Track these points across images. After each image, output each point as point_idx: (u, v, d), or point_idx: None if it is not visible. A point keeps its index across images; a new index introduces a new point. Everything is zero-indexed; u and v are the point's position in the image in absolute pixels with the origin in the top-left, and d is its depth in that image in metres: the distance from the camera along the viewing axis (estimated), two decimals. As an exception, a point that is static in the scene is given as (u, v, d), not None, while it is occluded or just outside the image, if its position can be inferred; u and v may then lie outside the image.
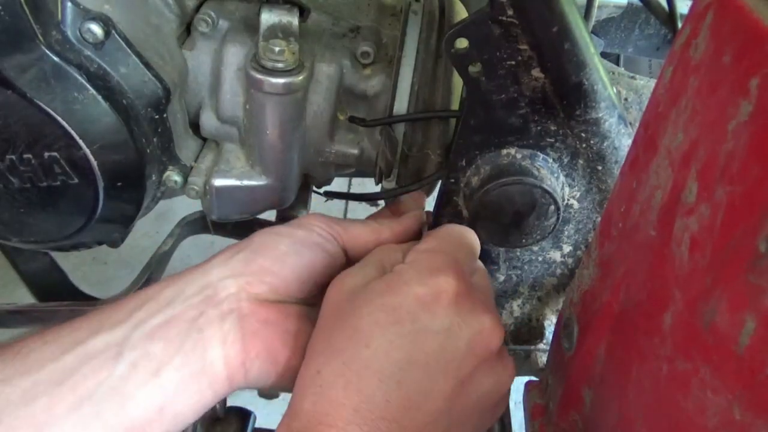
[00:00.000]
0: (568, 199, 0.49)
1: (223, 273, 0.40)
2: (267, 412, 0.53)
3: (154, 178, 0.51)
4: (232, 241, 0.69)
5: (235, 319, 0.39)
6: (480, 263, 0.46)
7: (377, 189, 0.58)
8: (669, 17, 0.54)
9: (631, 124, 0.46)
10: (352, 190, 1.44)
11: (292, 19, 0.48)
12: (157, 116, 0.49)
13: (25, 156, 0.44)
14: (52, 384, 0.34)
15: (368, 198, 0.58)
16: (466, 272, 0.41)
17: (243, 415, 0.50)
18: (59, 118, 0.43)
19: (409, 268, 0.39)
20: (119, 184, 0.47)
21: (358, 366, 0.35)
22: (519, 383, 0.52)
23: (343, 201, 1.55)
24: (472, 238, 0.45)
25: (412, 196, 0.52)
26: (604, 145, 0.46)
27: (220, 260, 0.42)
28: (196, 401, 0.37)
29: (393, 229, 0.47)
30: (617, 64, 0.90)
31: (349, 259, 0.45)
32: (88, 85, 0.44)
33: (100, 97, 0.44)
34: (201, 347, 0.37)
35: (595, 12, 0.62)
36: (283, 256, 0.41)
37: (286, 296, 0.41)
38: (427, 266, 0.39)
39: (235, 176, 0.53)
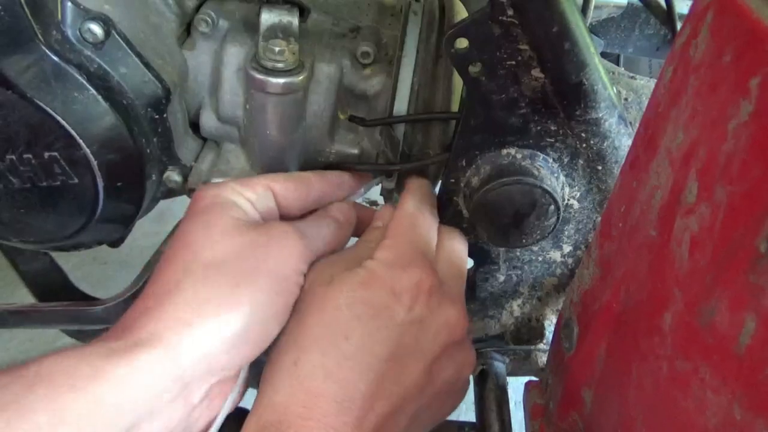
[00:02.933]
0: (568, 199, 0.49)
1: (195, 353, 0.35)
2: (267, 412, 0.53)
3: (154, 178, 0.51)
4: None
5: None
6: (450, 240, 0.47)
7: (378, 189, 0.58)
8: (667, 17, 0.54)
9: (631, 124, 0.46)
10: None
11: (292, 19, 0.48)
12: (157, 116, 0.49)
13: (25, 156, 0.44)
14: None
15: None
16: (432, 262, 0.43)
17: (243, 415, 0.50)
18: (59, 118, 0.43)
19: (379, 264, 0.40)
20: (119, 184, 0.47)
21: (337, 358, 0.36)
22: (519, 383, 0.52)
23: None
24: (428, 219, 0.45)
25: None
26: (604, 145, 0.46)
27: (182, 328, 0.35)
28: None
29: (322, 178, 0.47)
30: (617, 64, 0.90)
31: (283, 216, 0.45)
32: (88, 85, 0.44)
33: (100, 97, 0.44)
34: None
35: (591, 11, 0.62)
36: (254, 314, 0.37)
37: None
38: (397, 261, 0.40)
39: (235, 176, 0.53)
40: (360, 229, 0.48)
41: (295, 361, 0.36)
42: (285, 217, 0.45)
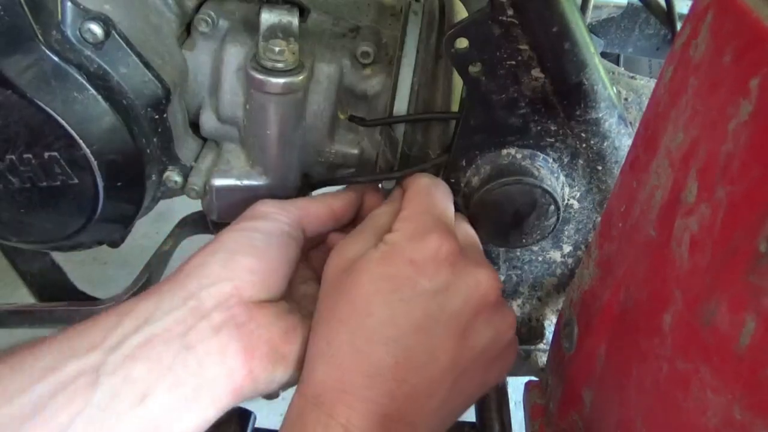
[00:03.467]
0: (568, 199, 0.49)
1: (204, 281, 0.38)
2: (267, 412, 0.53)
3: (154, 178, 0.51)
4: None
5: (232, 329, 0.38)
6: (459, 219, 0.46)
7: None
8: (667, 17, 0.54)
9: (631, 124, 0.46)
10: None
11: (292, 19, 0.48)
12: (157, 116, 0.49)
13: (25, 156, 0.44)
14: (23, 418, 0.32)
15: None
16: (452, 229, 0.42)
17: (243, 415, 0.50)
18: (59, 118, 0.43)
19: (399, 235, 0.40)
20: (119, 184, 0.47)
21: (364, 334, 0.37)
22: (519, 383, 0.52)
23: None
24: (442, 190, 0.45)
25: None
26: (604, 145, 0.46)
27: (194, 266, 0.39)
28: (196, 422, 0.36)
29: (344, 199, 0.48)
30: (617, 64, 0.90)
31: (306, 239, 0.46)
32: (88, 85, 0.44)
33: (100, 97, 0.44)
34: (195, 366, 0.36)
35: (590, 10, 0.62)
36: (261, 253, 0.40)
37: (273, 293, 0.41)
38: (416, 231, 0.40)
39: (235, 176, 0.53)
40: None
41: (328, 342, 0.38)
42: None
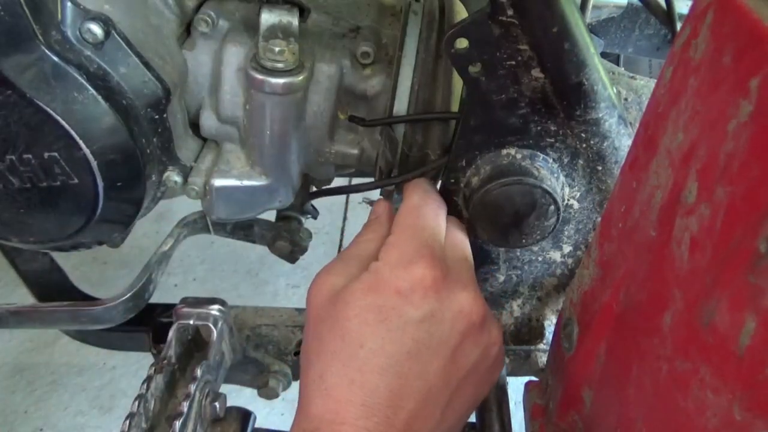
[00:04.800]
0: (568, 199, 0.49)
1: None
2: (267, 412, 0.53)
3: (154, 178, 0.51)
4: (231, 241, 0.70)
5: None
6: (451, 227, 0.46)
7: (377, 189, 0.58)
8: (667, 17, 0.54)
9: (631, 124, 0.46)
10: (352, 190, 1.44)
11: (292, 20, 0.48)
12: (157, 116, 0.49)
13: (25, 156, 0.44)
14: None
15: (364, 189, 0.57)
16: (438, 253, 0.42)
17: (243, 415, 0.50)
18: (59, 119, 0.43)
19: (384, 265, 0.41)
20: (119, 184, 0.47)
21: (357, 365, 0.38)
22: (519, 383, 0.52)
23: (343, 199, 1.55)
24: (432, 207, 0.45)
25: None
26: (604, 145, 0.46)
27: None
28: None
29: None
30: (617, 64, 0.90)
31: None
32: (87, 85, 0.44)
33: (99, 97, 0.44)
34: None
35: (590, 10, 0.62)
36: None
37: None
38: (401, 259, 0.41)
39: (235, 176, 0.53)
40: None
41: (321, 375, 0.38)
42: None
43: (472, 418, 0.53)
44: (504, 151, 0.46)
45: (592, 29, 0.80)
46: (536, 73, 0.43)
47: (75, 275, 0.66)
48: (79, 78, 0.43)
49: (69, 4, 0.43)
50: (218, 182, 0.53)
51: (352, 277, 0.41)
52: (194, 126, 0.54)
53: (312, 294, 0.42)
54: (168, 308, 0.60)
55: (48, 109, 0.43)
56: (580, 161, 0.47)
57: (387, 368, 0.37)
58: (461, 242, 0.47)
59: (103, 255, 1.37)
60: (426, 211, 0.45)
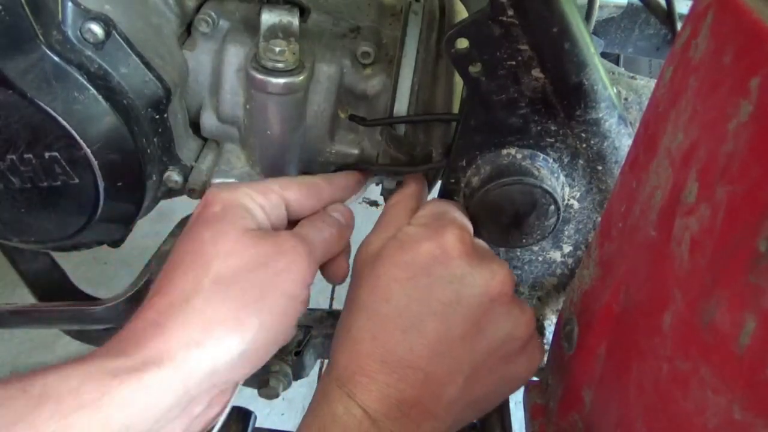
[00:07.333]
0: (569, 199, 0.49)
1: (203, 371, 0.36)
2: (267, 412, 0.53)
3: (154, 178, 0.51)
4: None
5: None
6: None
7: (377, 189, 0.58)
8: (667, 17, 0.54)
9: (631, 124, 0.46)
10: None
11: (293, 20, 0.48)
12: (157, 116, 0.49)
13: (26, 156, 0.44)
14: None
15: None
16: (467, 230, 0.43)
17: (243, 415, 0.50)
18: (60, 118, 0.43)
19: (416, 228, 0.42)
20: (119, 184, 0.47)
21: (380, 320, 0.39)
22: (519, 383, 0.52)
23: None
24: (456, 207, 0.46)
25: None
26: (605, 145, 0.46)
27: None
28: None
29: (331, 182, 0.48)
30: (617, 64, 0.90)
31: (290, 223, 0.46)
32: (88, 85, 0.44)
33: (100, 97, 0.44)
34: None
35: (596, 13, 0.62)
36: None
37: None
38: (433, 225, 0.42)
39: (235, 176, 0.53)
40: None
41: (349, 329, 0.40)
42: (294, 222, 0.46)
43: (472, 418, 0.53)
44: (504, 151, 0.46)
45: (592, 29, 0.80)
46: (536, 73, 0.43)
47: (75, 275, 0.66)
48: (80, 78, 0.43)
49: (70, 4, 0.43)
50: (218, 182, 0.53)
51: (388, 239, 0.42)
52: (194, 126, 0.54)
53: (354, 260, 0.44)
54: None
55: (49, 109, 0.43)
56: (581, 161, 0.47)
57: (410, 327, 0.38)
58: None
59: (103, 255, 1.38)
60: (450, 206, 0.46)
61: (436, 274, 0.39)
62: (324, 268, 0.47)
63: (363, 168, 0.53)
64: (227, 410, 0.41)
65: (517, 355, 0.42)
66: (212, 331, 0.37)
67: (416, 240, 0.41)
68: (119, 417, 0.33)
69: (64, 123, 0.43)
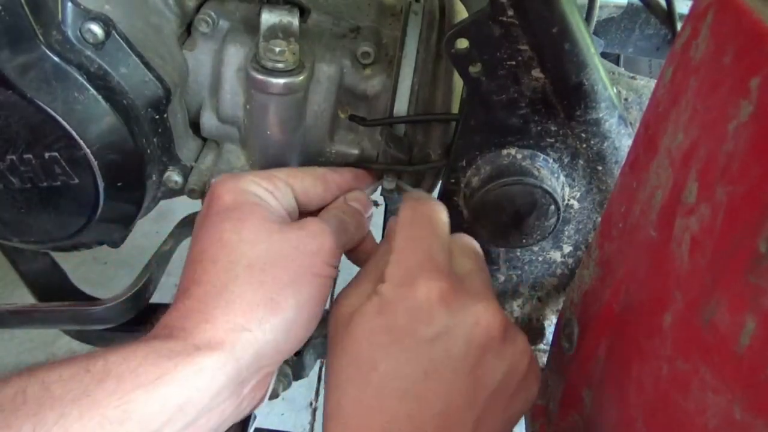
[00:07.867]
0: (569, 200, 0.49)
1: (251, 354, 0.38)
2: (267, 412, 0.53)
3: (154, 178, 0.51)
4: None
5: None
6: (458, 238, 0.45)
7: (377, 190, 0.58)
8: (667, 17, 0.54)
9: (631, 124, 0.46)
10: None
11: (293, 20, 0.48)
12: (157, 116, 0.49)
13: (26, 156, 0.44)
14: None
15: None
16: (443, 264, 0.40)
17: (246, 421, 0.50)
18: (60, 119, 0.43)
19: (388, 285, 0.39)
20: (119, 184, 0.47)
21: (373, 390, 0.36)
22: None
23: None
24: (430, 219, 0.43)
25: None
26: (605, 145, 0.46)
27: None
28: None
29: (336, 173, 0.48)
30: (617, 64, 0.90)
31: (302, 213, 0.46)
32: (88, 86, 0.44)
33: (100, 98, 0.44)
34: None
35: (596, 13, 0.62)
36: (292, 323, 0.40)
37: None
38: (404, 278, 0.39)
39: (236, 176, 0.53)
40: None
41: (338, 402, 0.37)
42: (303, 213, 0.46)
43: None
44: (504, 151, 0.46)
45: (593, 29, 0.80)
46: (536, 73, 0.43)
47: (75, 275, 0.66)
48: (80, 78, 0.43)
49: (69, 4, 0.43)
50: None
51: (363, 299, 0.40)
52: (194, 126, 0.54)
53: (331, 316, 0.42)
54: (168, 308, 0.60)
55: (48, 109, 0.43)
56: (581, 161, 0.47)
57: (405, 392, 0.36)
58: (470, 248, 0.44)
59: (103, 255, 1.37)
60: (425, 220, 0.43)
61: (419, 334, 0.37)
62: (349, 252, 0.48)
63: (364, 167, 0.53)
64: (269, 390, 0.43)
65: (517, 392, 0.40)
66: (254, 315, 0.38)
67: (392, 300, 0.38)
68: (175, 397, 0.35)
69: (64, 123, 0.43)
